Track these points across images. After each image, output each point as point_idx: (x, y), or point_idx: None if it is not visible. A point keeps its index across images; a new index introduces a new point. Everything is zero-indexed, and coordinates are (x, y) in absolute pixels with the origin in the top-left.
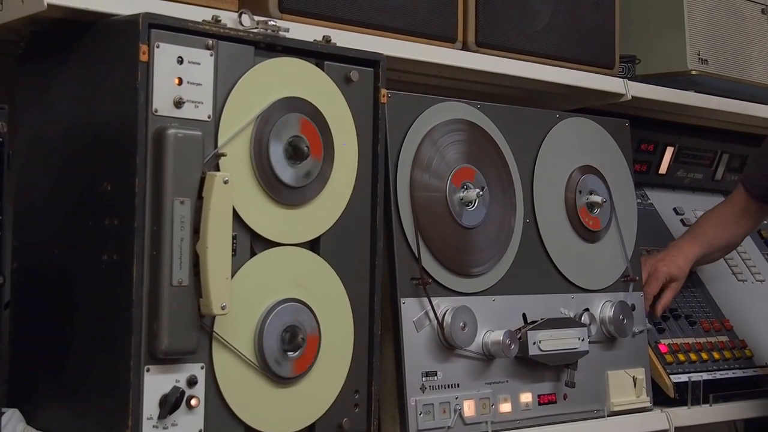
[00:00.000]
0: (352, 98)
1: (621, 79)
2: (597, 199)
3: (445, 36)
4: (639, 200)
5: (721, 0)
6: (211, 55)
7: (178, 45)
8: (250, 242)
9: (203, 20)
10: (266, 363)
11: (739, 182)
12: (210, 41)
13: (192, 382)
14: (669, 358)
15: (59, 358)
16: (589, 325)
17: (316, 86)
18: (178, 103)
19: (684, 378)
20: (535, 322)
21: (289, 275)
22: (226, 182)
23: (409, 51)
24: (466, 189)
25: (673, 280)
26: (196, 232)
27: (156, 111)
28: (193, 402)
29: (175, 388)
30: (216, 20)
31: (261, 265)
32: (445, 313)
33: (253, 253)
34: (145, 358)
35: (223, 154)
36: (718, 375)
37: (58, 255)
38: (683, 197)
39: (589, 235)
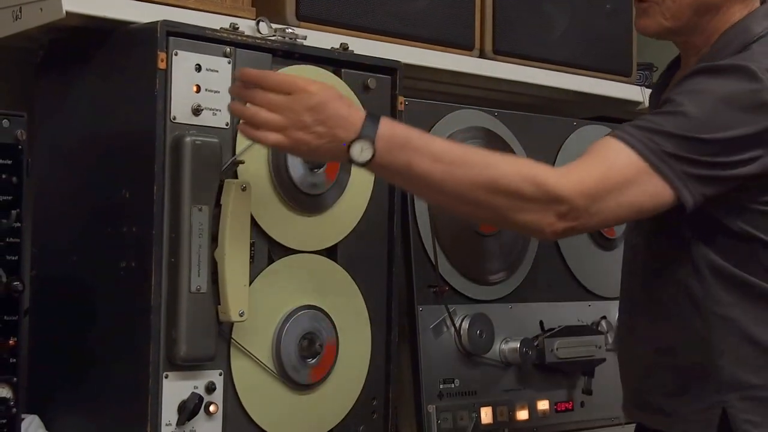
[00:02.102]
0: (370, 106)
1: (638, 87)
2: None
3: (462, 44)
4: None
5: None
6: (229, 63)
7: (197, 53)
8: (268, 249)
9: (221, 28)
10: (284, 370)
11: None
12: (228, 49)
13: (210, 388)
14: None
15: (78, 365)
16: (606, 332)
17: None
18: (197, 111)
19: None
20: (553, 329)
21: (307, 282)
22: (244, 189)
23: (427, 59)
24: None
25: None
26: (214, 239)
27: (174, 118)
28: (211, 408)
29: (194, 395)
30: (234, 28)
31: (279, 273)
32: (462, 321)
33: (270, 260)
34: (163, 364)
35: (241, 162)
36: None
37: (76, 262)
38: None
39: (606, 243)
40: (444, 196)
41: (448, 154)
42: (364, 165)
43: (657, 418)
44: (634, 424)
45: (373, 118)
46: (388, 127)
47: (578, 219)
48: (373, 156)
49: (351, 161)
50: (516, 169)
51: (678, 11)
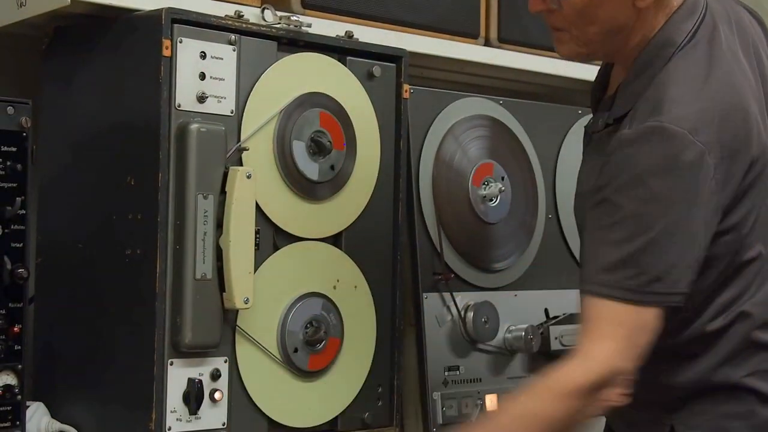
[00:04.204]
0: (375, 94)
1: None
2: None
3: (467, 32)
4: None
5: None
6: (234, 50)
7: (201, 40)
8: (273, 237)
9: (226, 15)
10: (289, 357)
11: None
12: (233, 36)
13: (216, 375)
14: None
15: (83, 352)
16: None
17: (339, 82)
18: (201, 98)
19: None
20: (557, 317)
21: (312, 270)
22: (249, 177)
23: (432, 47)
24: (489, 184)
25: None
26: (220, 226)
27: (179, 106)
28: (216, 395)
29: (191, 381)
30: (239, 15)
31: (284, 260)
32: (467, 308)
33: (276, 248)
34: (168, 351)
35: (245, 149)
36: None
37: (82, 249)
38: None
39: None
40: None
41: None
42: None
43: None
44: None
45: None
46: None
47: (626, 374)
48: None
49: None
50: (547, 397)
51: (588, 39)
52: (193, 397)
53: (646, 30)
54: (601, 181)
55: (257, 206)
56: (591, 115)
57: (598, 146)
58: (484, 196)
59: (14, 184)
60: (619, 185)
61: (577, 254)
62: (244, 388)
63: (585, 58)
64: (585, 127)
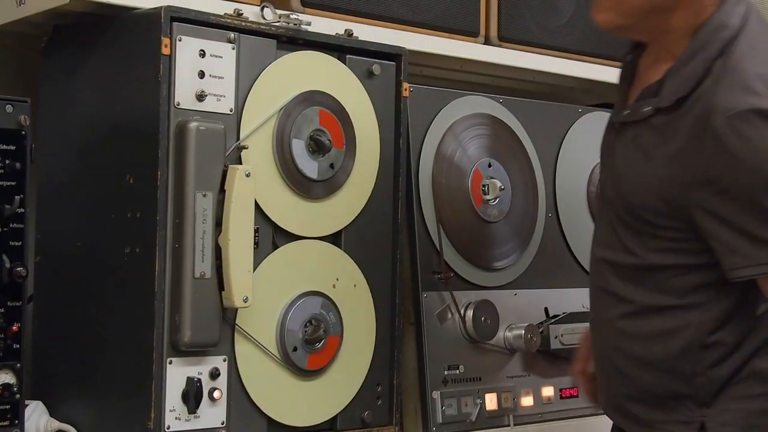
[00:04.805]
0: (374, 92)
1: None
2: None
3: (467, 30)
4: None
5: None
6: (233, 49)
7: (200, 38)
8: (272, 235)
9: (225, 14)
10: (288, 356)
11: None
12: (232, 35)
13: (215, 374)
14: None
15: (82, 351)
16: None
17: (338, 80)
18: (200, 97)
19: None
20: (557, 316)
21: (311, 268)
22: (248, 175)
23: (432, 45)
24: (488, 183)
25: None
26: (219, 224)
27: (178, 104)
28: (215, 394)
29: (190, 379)
30: (238, 14)
31: (283, 259)
32: (467, 307)
33: (275, 246)
34: (167, 350)
35: (245, 147)
36: None
37: (80, 248)
38: None
39: None
40: None
41: None
42: None
43: (627, 423)
44: None
45: None
46: None
47: None
48: None
49: None
50: None
51: (630, 10)
52: (192, 396)
53: (690, 14)
54: (714, 172)
55: (256, 205)
56: (591, 114)
57: (641, 133)
58: (484, 195)
59: (13, 183)
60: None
61: (577, 253)
62: (243, 387)
63: (618, 31)
64: (612, 119)
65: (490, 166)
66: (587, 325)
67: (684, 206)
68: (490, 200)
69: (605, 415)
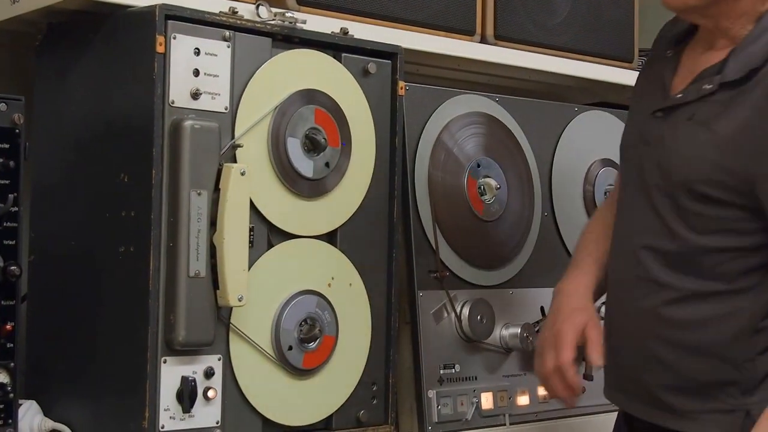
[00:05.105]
0: (370, 90)
1: None
2: None
3: (463, 29)
4: None
5: None
6: (228, 47)
7: (195, 36)
8: (267, 234)
9: (220, 12)
10: (283, 355)
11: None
12: (227, 33)
13: (209, 373)
14: None
15: (76, 350)
16: None
17: (334, 78)
18: (195, 95)
19: None
20: None
21: (307, 267)
22: (243, 174)
23: (428, 44)
24: (485, 182)
25: (584, 323)
26: (213, 223)
27: (173, 102)
28: (210, 393)
29: (185, 379)
30: (233, 12)
31: (278, 257)
32: (462, 306)
33: (270, 245)
34: (162, 349)
35: (239, 145)
36: None
37: (75, 247)
38: None
39: None
40: None
41: None
42: None
43: (659, 414)
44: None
45: None
46: None
47: None
48: None
49: None
50: None
51: None
52: (187, 395)
53: (758, 1)
54: None
55: (251, 203)
56: (587, 113)
57: (699, 110)
58: (480, 194)
59: (7, 181)
60: None
61: (573, 252)
62: (238, 387)
63: (688, 12)
64: (650, 108)
65: (484, 165)
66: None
67: (747, 178)
68: (486, 199)
69: (600, 415)
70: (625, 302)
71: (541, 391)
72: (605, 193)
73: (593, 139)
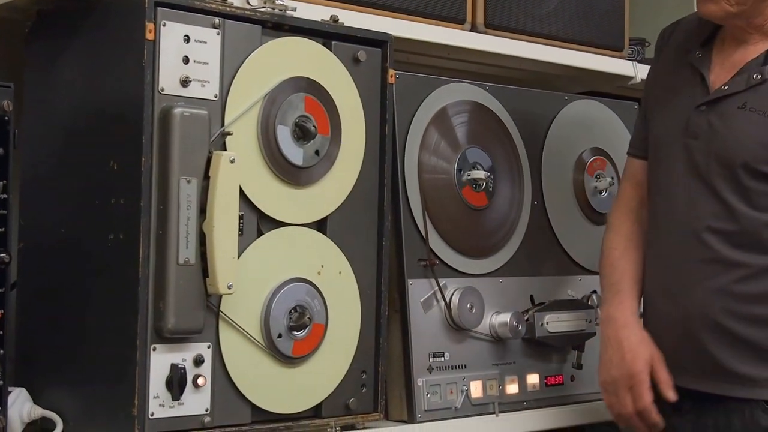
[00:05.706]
0: (360, 78)
1: (630, 62)
2: (605, 181)
3: (454, 17)
4: None
5: None
6: (218, 34)
7: (185, 24)
8: (256, 222)
9: None
10: (273, 342)
11: (627, 156)
12: (217, 20)
13: (199, 361)
14: None
15: (66, 338)
16: (597, 307)
17: (324, 66)
18: (185, 82)
19: None
20: (543, 303)
21: (296, 255)
22: (232, 161)
23: (418, 32)
24: (475, 170)
25: (650, 359)
26: (203, 211)
27: (162, 90)
28: (199, 381)
29: (174, 366)
30: None
31: (268, 245)
32: (452, 294)
33: (259, 233)
34: (151, 337)
35: (229, 133)
36: None
37: (64, 234)
38: None
39: (597, 217)
40: None
41: None
42: None
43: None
44: None
45: None
46: None
47: None
48: None
49: None
50: None
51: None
52: (176, 382)
53: None
54: None
55: (241, 191)
56: (577, 101)
57: (749, 98)
58: (470, 182)
59: None
60: None
61: (562, 240)
62: (228, 374)
63: (723, 19)
64: (695, 102)
65: (474, 154)
66: (572, 312)
67: None
68: (476, 188)
69: (589, 404)
70: (690, 285)
71: (531, 380)
72: (596, 183)
73: (583, 128)
